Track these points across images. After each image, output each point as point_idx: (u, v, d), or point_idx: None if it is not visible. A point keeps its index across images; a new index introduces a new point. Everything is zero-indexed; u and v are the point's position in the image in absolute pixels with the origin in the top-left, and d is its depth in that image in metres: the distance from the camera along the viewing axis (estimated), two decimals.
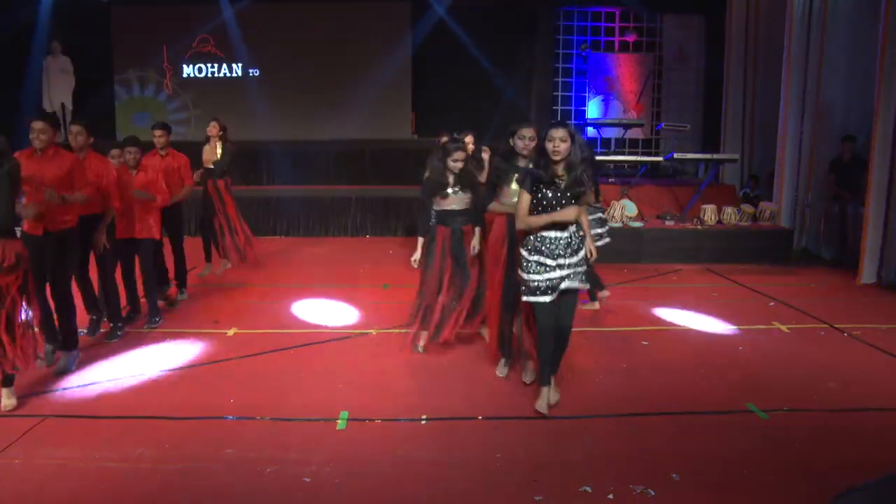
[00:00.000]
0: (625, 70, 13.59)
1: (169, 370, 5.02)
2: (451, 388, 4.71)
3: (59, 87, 13.23)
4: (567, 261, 3.98)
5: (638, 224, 9.35)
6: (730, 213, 9.54)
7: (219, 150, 8.07)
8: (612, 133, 12.89)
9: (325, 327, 6.10)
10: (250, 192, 11.85)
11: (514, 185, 4.50)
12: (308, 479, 3.42)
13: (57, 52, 13.12)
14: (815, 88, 9.65)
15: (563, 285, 4.00)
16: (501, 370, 4.90)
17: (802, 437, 3.94)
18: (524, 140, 4.55)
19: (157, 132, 7.02)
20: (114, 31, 13.36)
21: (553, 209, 3.97)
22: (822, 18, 9.53)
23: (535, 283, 4.02)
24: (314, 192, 11.96)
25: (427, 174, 5.45)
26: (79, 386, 4.68)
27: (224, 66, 13.43)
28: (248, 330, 6.02)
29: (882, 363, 5.28)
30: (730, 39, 11.94)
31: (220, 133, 8.10)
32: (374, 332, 5.96)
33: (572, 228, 4.01)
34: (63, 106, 13.26)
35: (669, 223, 9.51)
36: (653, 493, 3.28)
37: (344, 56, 13.15)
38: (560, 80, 13.53)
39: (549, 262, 3.97)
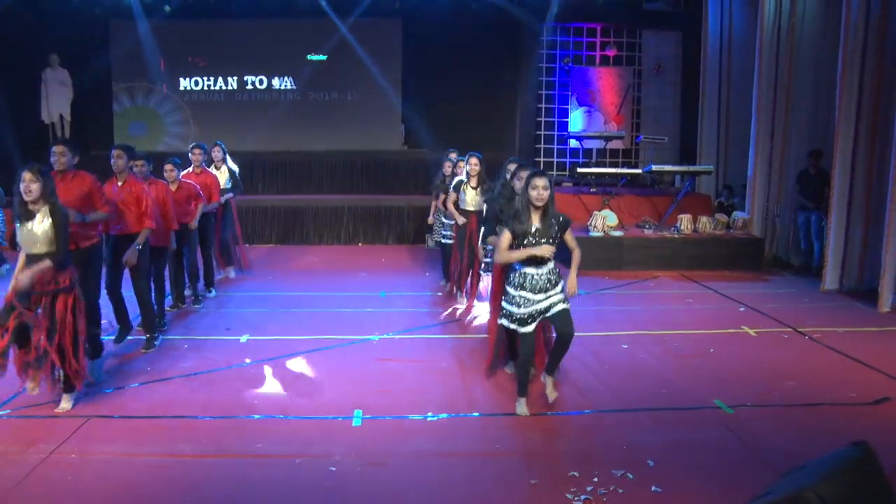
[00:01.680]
0: (605, 83, 14.17)
1: (193, 374, 5.50)
2: (451, 388, 5.23)
3: (57, 98, 13.65)
4: (548, 294, 4.50)
5: (618, 233, 9.92)
6: (705, 223, 10.15)
7: (225, 173, 8.68)
8: (594, 144, 13.49)
9: (330, 334, 6.58)
10: (246, 202, 12.32)
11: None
12: (333, 469, 3.93)
13: (55, 64, 13.54)
14: (784, 105, 10.26)
15: (550, 313, 4.51)
16: (510, 368, 5.43)
17: (762, 429, 4.51)
18: (523, 181, 4.97)
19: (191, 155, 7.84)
20: (112, 44, 13.73)
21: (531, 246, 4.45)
22: (789, 39, 10.15)
23: (518, 316, 4.53)
24: (308, 202, 12.44)
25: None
26: (113, 389, 5.14)
27: (220, 79, 13.86)
28: (260, 337, 6.50)
29: (836, 363, 5.87)
30: (705, 56, 12.49)
31: (224, 157, 8.73)
32: (376, 338, 6.47)
33: (550, 265, 4.51)
34: (61, 117, 13.69)
35: (648, 232, 10.10)
36: (631, 477, 3.82)
37: (337, 70, 13.65)
38: (544, 92, 14.08)
39: (533, 296, 4.48)
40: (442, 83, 13.70)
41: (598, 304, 7.77)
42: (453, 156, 8.78)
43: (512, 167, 5.55)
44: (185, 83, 13.90)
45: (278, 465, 4.01)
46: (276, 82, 13.79)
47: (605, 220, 9.95)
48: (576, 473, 3.85)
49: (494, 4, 13.09)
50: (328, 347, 6.18)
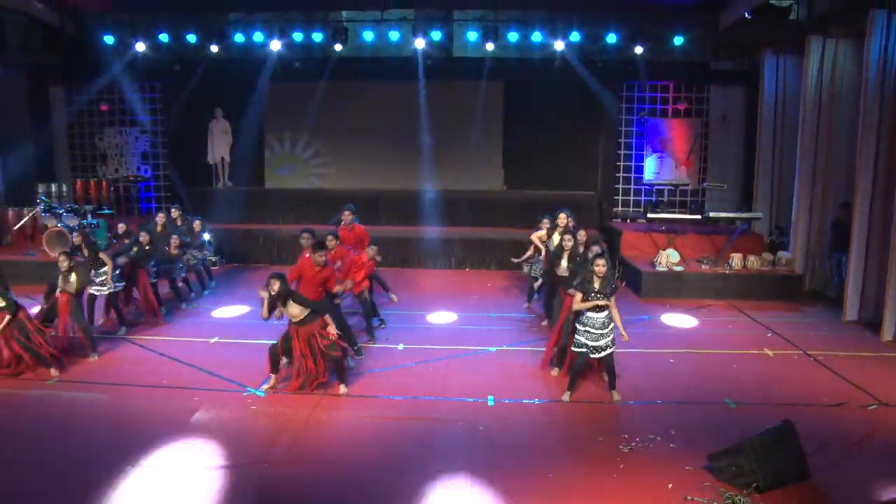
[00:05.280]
0: (676, 132, 16.50)
1: (375, 370, 8.32)
2: (551, 383, 7.87)
3: (220, 144, 17.07)
4: (604, 331, 7.19)
5: (680, 269, 12.29)
6: (753, 261, 12.39)
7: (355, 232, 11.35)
8: (665, 186, 15.89)
9: (460, 345, 9.32)
10: (372, 232, 15.20)
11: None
12: (482, 428, 6.68)
13: (219, 116, 16.96)
14: (823, 162, 12.26)
15: (602, 354, 7.24)
16: (555, 372, 8.13)
17: (752, 417, 6.94)
18: (599, 267, 7.31)
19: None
20: (270, 100, 16.92)
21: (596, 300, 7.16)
22: (830, 105, 12.10)
23: (584, 343, 7.24)
24: (423, 232, 15.25)
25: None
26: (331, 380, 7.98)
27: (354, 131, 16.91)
28: (410, 346, 9.27)
29: (825, 378, 8.20)
30: (761, 111, 14.33)
31: (354, 218, 11.29)
32: (494, 349, 9.16)
33: (606, 311, 7.19)
34: (222, 159, 17.05)
35: (705, 267, 12.43)
36: (659, 439, 6.44)
37: (451, 123, 16.46)
38: (623, 140, 16.55)
39: (594, 331, 7.18)
40: (536, 134, 16.46)
41: (655, 328, 10.24)
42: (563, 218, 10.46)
43: (595, 250, 8.29)
44: (324, 132, 17.00)
45: (449, 425, 6.79)
46: (396, 133, 16.71)
47: (668, 258, 12.34)
48: (626, 435, 6.50)
49: (581, 66, 15.59)
50: (461, 355, 8.91)
